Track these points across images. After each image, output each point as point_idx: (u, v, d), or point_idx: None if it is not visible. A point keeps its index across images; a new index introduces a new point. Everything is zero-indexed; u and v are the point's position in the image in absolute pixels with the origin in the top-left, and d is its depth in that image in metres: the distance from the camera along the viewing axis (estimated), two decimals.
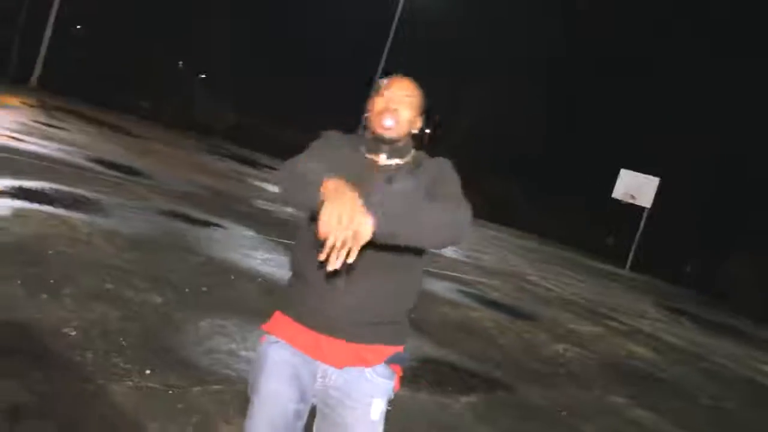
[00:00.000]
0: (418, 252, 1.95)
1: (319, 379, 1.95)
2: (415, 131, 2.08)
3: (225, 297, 5.41)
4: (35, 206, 6.33)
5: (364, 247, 1.66)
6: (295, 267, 2.01)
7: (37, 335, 3.57)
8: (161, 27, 35.81)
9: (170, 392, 3.39)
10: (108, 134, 15.22)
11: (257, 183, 15.28)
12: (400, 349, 2.01)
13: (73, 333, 3.72)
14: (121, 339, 3.84)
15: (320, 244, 1.63)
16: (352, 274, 1.84)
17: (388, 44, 29.09)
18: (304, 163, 1.87)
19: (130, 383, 3.34)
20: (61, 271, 4.67)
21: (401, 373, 2.04)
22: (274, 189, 14.81)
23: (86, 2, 33.23)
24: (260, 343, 2.03)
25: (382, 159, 2.05)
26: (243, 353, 4.22)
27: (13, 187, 6.83)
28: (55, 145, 10.76)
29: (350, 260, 1.62)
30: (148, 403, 3.22)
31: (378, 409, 1.94)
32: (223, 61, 38.48)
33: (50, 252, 5.06)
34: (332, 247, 1.60)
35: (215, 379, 3.72)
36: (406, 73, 2.10)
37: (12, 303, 3.91)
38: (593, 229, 38.47)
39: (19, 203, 6.27)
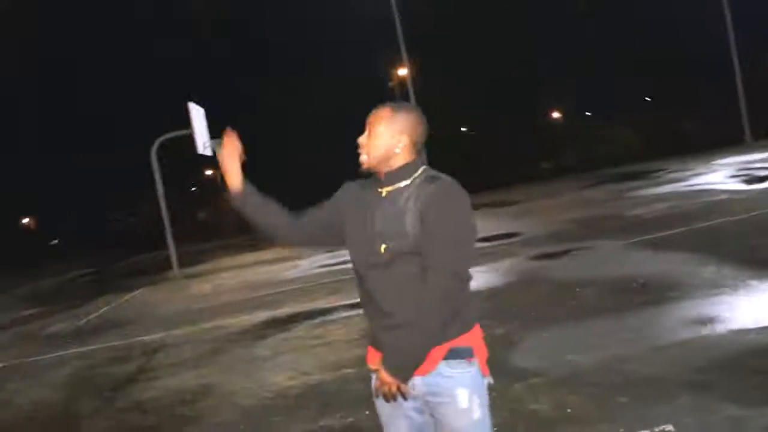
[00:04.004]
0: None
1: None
2: (397, 150, 2.04)
3: (572, 307, 6.08)
4: None
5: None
6: None
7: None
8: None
9: (493, 394, 4.22)
10: (486, 212, 16.72)
11: (634, 193, 15.08)
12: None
13: None
14: None
15: None
16: None
17: None
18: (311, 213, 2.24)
19: None
20: None
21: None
22: (648, 192, 14.51)
23: None
24: None
25: (384, 189, 2.08)
26: (570, 354, 4.85)
27: None
28: None
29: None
30: None
31: (464, 398, 2.07)
32: None
33: None
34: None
35: (533, 373, 4.46)
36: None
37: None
38: None
39: None
